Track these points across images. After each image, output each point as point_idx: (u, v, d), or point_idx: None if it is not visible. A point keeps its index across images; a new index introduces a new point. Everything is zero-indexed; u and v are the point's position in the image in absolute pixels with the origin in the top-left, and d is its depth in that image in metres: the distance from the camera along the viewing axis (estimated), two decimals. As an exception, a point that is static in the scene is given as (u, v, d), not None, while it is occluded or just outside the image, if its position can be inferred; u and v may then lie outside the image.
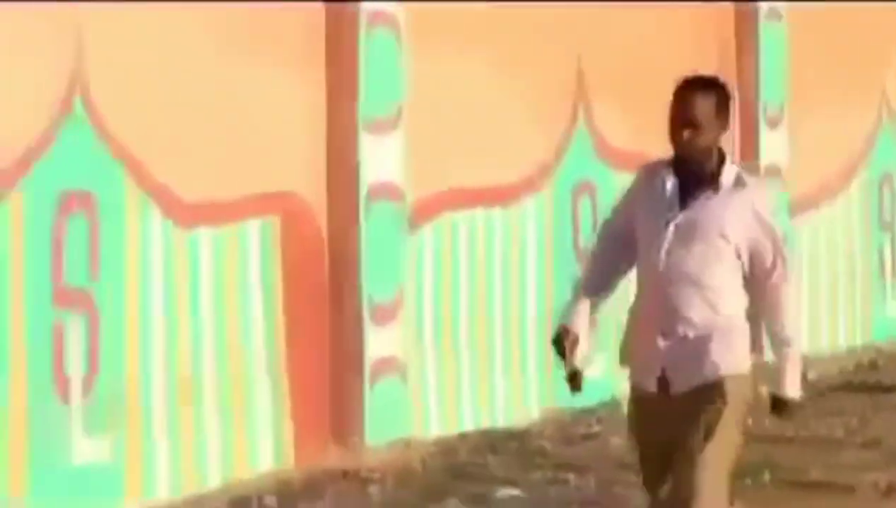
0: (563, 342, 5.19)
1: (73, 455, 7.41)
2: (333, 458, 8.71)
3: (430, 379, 9.59)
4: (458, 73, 9.55)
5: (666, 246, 5.12)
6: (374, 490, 8.38)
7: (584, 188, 10.56)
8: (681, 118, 5.08)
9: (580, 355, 5.22)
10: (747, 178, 5.25)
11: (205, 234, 8.24)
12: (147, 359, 7.84)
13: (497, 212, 10.10)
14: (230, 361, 8.36)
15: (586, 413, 9.81)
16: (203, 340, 8.23)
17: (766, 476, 8.48)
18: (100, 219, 7.58)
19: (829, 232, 12.75)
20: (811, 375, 10.89)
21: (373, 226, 9.01)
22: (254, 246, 8.55)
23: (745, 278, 5.20)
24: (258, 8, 8.36)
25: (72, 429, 7.40)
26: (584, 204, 10.53)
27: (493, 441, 9.41)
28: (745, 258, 5.16)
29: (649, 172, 5.33)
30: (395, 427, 9.12)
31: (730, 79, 11.26)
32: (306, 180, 8.85)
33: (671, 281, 5.13)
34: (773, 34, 12.06)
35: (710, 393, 5.13)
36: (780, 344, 5.21)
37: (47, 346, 7.31)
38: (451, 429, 9.58)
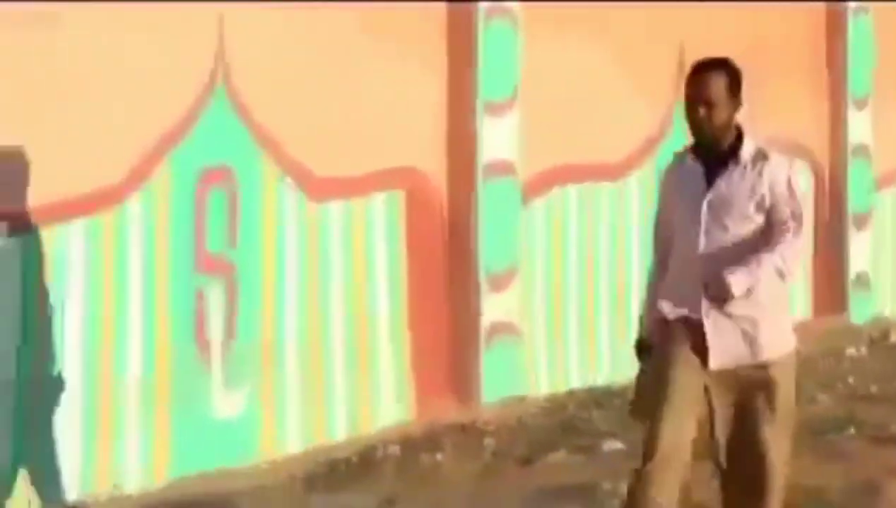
0: (642, 350, 5.46)
1: (213, 411, 7.79)
2: (452, 413, 8.96)
3: (541, 342, 9.85)
4: (569, 60, 9.77)
5: (703, 225, 5.23)
6: (489, 441, 8.61)
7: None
8: (695, 98, 5.24)
9: None
10: (768, 152, 5.33)
11: (335, 207, 8.59)
12: (281, 322, 8.18)
13: (604, 187, 10.31)
14: (357, 324, 8.62)
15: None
16: (332, 304, 8.50)
17: (851, 431, 8.60)
18: (239, 193, 7.91)
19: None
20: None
21: (489, 200, 9.28)
22: (380, 218, 8.83)
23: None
24: (388, 3, 8.64)
25: (212, 387, 7.80)
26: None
27: (598, 398, 9.65)
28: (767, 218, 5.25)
29: (673, 163, 5.53)
30: (508, 386, 9.38)
31: (821, 67, 11.72)
32: (429, 158, 9.10)
33: (712, 260, 5.18)
34: (860, 27, 12.29)
35: (763, 376, 5.21)
36: (764, 254, 5.18)
37: (190, 310, 7.72)
38: (560, 387, 9.91)
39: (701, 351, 5.21)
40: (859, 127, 12.25)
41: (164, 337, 7.56)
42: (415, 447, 8.41)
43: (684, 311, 5.25)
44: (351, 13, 8.49)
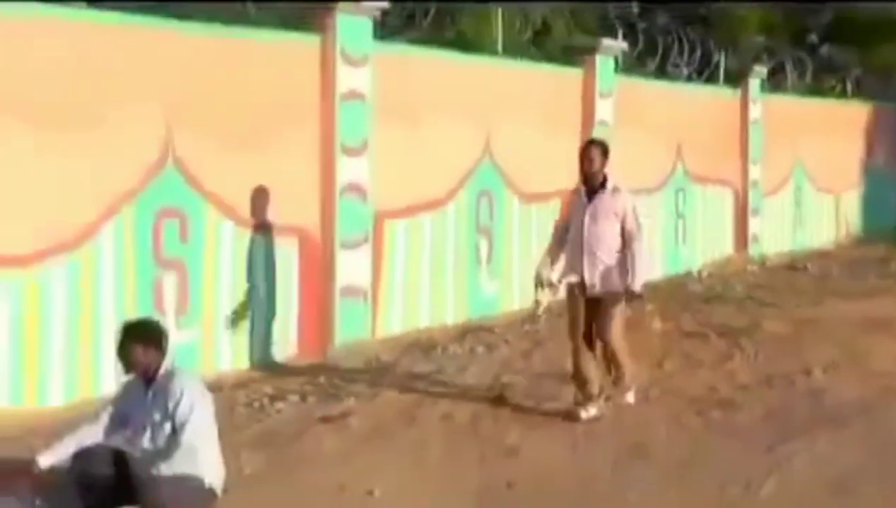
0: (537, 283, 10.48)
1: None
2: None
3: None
4: None
5: (586, 222, 10.08)
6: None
7: None
8: (583, 158, 10.26)
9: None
10: (620, 187, 10.18)
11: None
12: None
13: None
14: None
15: None
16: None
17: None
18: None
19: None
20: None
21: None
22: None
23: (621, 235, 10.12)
24: None
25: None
26: None
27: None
28: (622, 225, 10.07)
29: (573, 192, 10.42)
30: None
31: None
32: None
33: (589, 242, 10.08)
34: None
35: (612, 295, 10.11)
36: (631, 268, 10.07)
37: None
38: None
39: (582, 289, 10.19)
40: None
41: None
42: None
43: (576, 276, 10.21)
44: None
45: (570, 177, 16.29)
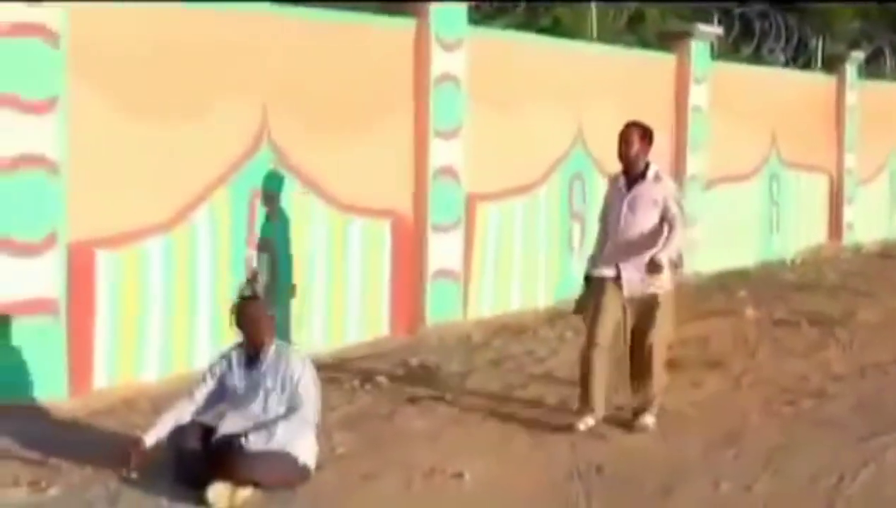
0: (586, 279, 9.41)
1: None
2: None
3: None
4: None
5: (623, 211, 9.16)
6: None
7: None
8: (621, 142, 9.19)
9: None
10: (662, 175, 9.31)
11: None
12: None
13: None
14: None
15: None
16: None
17: None
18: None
19: None
20: None
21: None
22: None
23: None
24: None
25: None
26: None
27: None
28: (662, 215, 9.10)
29: (612, 179, 9.50)
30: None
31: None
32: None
33: (626, 234, 9.16)
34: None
35: (655, 295, 9.20)
36: (664, 240, 9.04)
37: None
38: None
39: (619, 287, 9.16)
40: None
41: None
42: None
43: (612, 271, 9.19)
44: None
45: (661, 163, 16.36)
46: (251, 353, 7.79)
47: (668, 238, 9.04)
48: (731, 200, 18.29)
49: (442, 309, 12.96)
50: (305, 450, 7.60)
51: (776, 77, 19.73)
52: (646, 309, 9.21)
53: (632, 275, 9.11)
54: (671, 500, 7.71)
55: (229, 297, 10.43)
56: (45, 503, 7.21)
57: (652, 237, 9.11)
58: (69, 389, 9.61)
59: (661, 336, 9.32)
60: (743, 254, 18.58)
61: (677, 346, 12.24)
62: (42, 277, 9.36)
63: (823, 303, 15.26)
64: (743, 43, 19.75)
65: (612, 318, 9.19)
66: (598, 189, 15.29)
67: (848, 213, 21.73)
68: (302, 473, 7.55)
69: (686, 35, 17.22)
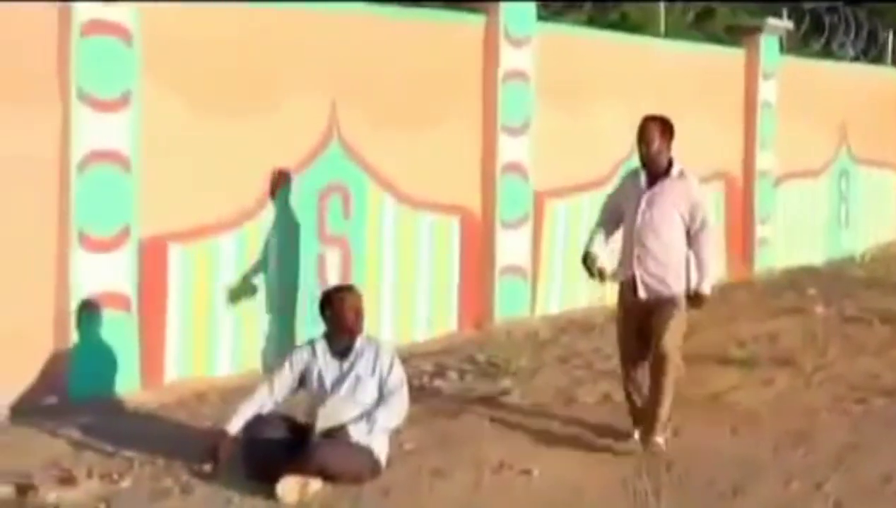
0: (586, 260, 8.78)
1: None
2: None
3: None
4: None
5: (641, 209, 8.39)
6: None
7: None
8: (640, 138, 8.42)
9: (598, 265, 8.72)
10: (687, 174, 8.46)
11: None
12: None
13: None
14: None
15: None
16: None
17: None
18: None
19: None
20: None
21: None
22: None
23: (686, 232, 8.39)
24: None
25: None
26: None
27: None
28: (686, 219, 8.37)
29: (631, 173, 8.70)
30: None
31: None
32: None
33: (642, 234, 8.41)
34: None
35: (666, 302, 8.42)
36: (699, 264, 8.38)
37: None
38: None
39: (632, 290, 8.54)
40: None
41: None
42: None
43: (626, 273, 8.56)
44: None
45: (731, 160, 16.34)
46: (341, 343, 7.85)
47: (700, 257, 8.39)
48: (800, 197, 18.15)
49: (510, 306, 12.97)
50: (380, 445, 7.64)
51: (846, 72, 19.56)
52: (659, 314, 8.46)
53: (646, 278, 8.46)
54: (741, 499, 7.65)
55: (298, 294, 10.68)
56: (117, 495, 7.27)
57: (668, 241, 8.40)
58: (141, 382, 9.71)
59: (674, 344, 8.48)
60: (812, 252, 18.44)
61: (749, 343, 12.35)
62: (115, 272, 9.47)
63: (894, 301, 15.09)
64: (812, 37, 19.59)
65: (635, 327, 8.62)
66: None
67: (919, 210, 21.51)
68: (374, 468, 7.59)
69: (756, 30, 17.12)
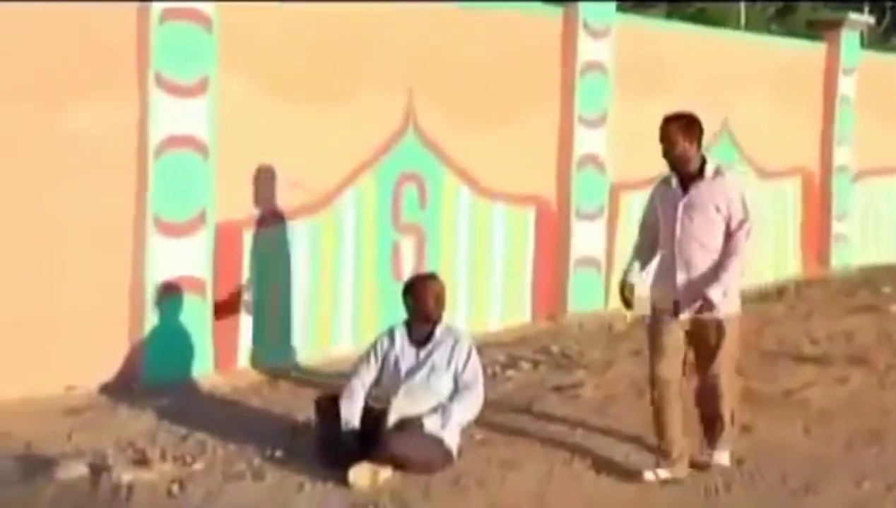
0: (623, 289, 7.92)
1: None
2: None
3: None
4: None
5: (679, 218, 7.59)
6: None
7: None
8: (662, 140, 7.63)
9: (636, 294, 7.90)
10: (724, 170, 7.67)
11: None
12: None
13: None
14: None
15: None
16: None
17: None
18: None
19: None
20: None
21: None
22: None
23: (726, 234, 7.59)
24: None
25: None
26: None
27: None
28: (727, 222, 7.55)
29: (662, 181, 7.91)
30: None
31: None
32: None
33: (684, 245, 7.59)
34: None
35: (718, 320, 7.67)
36: (717, 264, 7.53)
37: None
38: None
39: (675, 309, 7.65)
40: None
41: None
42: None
43: (666, 292, 7.69)
44: None
45: (809, 155, 16.19)
46: (421, 331, 7.88)
47: (725, 262, 7.54)
48: (878, 193, 17.95)
49: (584, 298, 12.94)
50: (452, 436, 7.65)
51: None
52: (707, 336, 7.77)
53: (690, 297, 7.60)
54: (812, 497, 7.56)
55: (373, 282, 10.71)
56: (190, 477, 7.32)
57: (715, 250, 7.58)
58: (215, 366, 9.79)
59: (727, 365, 7.87)
60: (889, 250, 18.23)
61: (823, 341, 12.20)
62: (191, 256, 9.54)
63: (974, 300, 14.89)
64: (894, 33, 19.37)
65: (674, 347, 7.74)
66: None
67: None
68: (445, 458, 7.59)
69: (836, 24, 16.94)
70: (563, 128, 12.72)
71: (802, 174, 16.47)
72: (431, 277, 8.14)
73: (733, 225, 7.53)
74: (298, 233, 10.39)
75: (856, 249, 17.30)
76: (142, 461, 7.49)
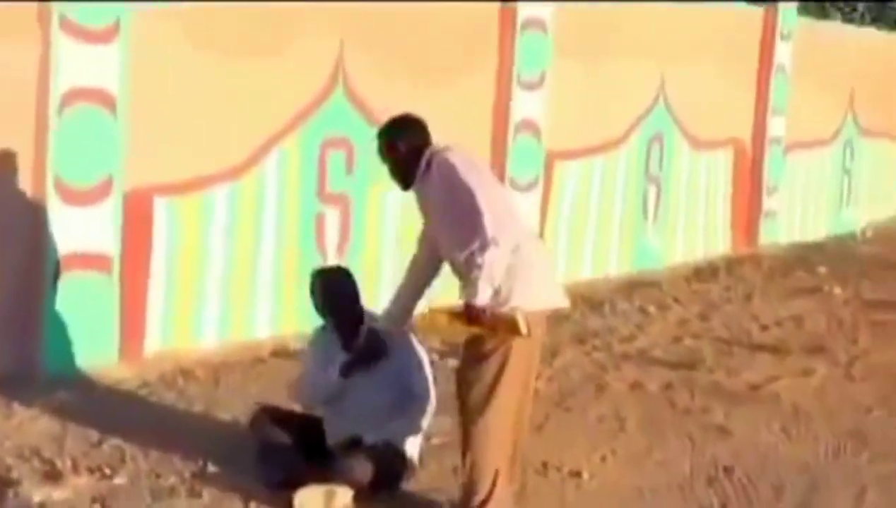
0: None
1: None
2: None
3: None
4: None
5: None
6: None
7: None
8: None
9: None
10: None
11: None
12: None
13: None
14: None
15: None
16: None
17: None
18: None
19: None
20: None
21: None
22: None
23: None
24: None
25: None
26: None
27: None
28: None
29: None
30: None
31: None
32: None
33: None
34: None
35: None
36: None
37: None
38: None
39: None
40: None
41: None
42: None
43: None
44: None
45: (742, 125, 15.39)
46: (345, 336, 6.66)
47: None
48: (807, 167, 17.25)
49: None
50: (412, 444, 6.55)
51: (857, 37, 18.55)
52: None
53: None
54: (817, 512, 6.86)
55: (295, 259, 9.61)
56: (113, 494, 6.19)
57: None
58: (120, 354, 8.61)
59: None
60: (815, 226, 17.61)
61: (773, 327, 11.58)
62: (96, 228, 8.36)
63: (912, 283, 14.36)
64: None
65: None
66: (678, 150, 14.35)
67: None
68: (407, 470, 6.51)
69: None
70: (500, 91, 11.65)
71: (735, 145, 15.61)
72: (339, 271, 6.90)
73: None
74: (217, 203, 9.22)
75: (784, 225, 16.57)
76: (52, 474, 6.30)
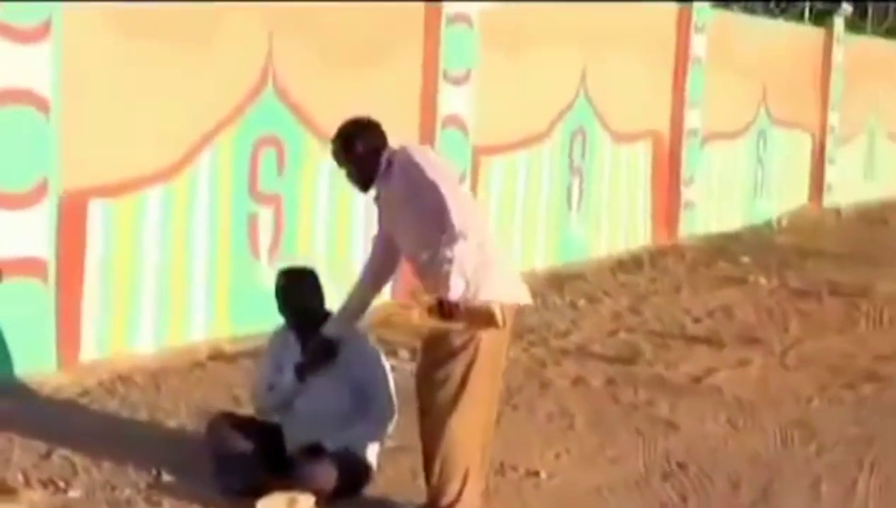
0: None
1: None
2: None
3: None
4: None
5: None
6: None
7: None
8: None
9: None
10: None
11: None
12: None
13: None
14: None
15: None
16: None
17: None
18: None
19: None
20: None
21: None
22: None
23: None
24: None
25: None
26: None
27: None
28: None
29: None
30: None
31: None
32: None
33: None
34: None
35: None
36: None
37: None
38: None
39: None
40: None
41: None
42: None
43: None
44: None
45: (659, 117, 15.43)
46: (304, 338, 6.51)
47: None
48: (723, 158, 17.37)
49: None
50: (371, 449, 6.41)
51: (767, 28, 18.71)
52: None
53: None
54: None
55: (227, 260, 9.43)
56: (69, 507, 5.99)
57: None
58: (58, 361, 8.38)
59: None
60: (731, 217, 17.74)
61: (704, 318, 11.56)
62: (30, 233, 8.14)
63: (834, 272, 14.58)
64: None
65: None
66: (599, 143, 14.34)
67: (830, 174, 20.82)
68: (367, 476, 6.37)
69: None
70: (427, 85, 11.53)
71: (653, 137, 15.64)
72: (303, 272, 6.70)
73: None
74: (150, 205, 9.01)
75: (701, 216, 16.65)
76: (4, 489, 6.07)
